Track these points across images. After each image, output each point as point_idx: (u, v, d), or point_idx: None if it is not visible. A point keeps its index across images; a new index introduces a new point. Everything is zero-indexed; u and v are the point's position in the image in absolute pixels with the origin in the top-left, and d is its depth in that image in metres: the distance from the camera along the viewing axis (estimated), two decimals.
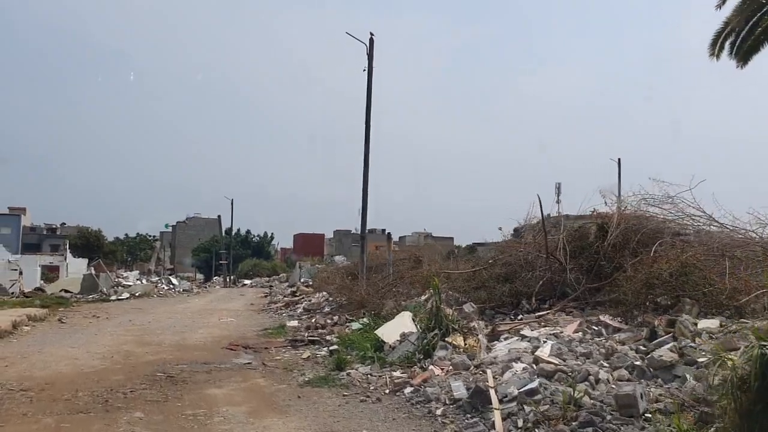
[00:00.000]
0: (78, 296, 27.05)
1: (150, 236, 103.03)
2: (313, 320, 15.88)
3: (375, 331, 9.20)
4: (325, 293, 21.27)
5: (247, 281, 51.76)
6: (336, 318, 14.36)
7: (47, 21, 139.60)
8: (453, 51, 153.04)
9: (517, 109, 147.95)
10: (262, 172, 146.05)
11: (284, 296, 26.53)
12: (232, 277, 56.83)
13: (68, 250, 36.08)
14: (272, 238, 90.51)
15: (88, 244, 65.49)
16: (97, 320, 16.94)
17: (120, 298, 26.59)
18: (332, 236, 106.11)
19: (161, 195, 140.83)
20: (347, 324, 13.98)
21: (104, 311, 20.08)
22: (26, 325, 14.11)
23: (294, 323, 15.84)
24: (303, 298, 22.26)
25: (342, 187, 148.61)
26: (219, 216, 60.79)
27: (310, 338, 12.28)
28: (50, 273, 40.09)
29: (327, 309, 18.23)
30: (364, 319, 13.11)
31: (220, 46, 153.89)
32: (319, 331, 13.57)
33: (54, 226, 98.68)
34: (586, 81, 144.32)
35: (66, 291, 28.19)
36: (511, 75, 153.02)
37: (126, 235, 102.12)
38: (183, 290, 32.48)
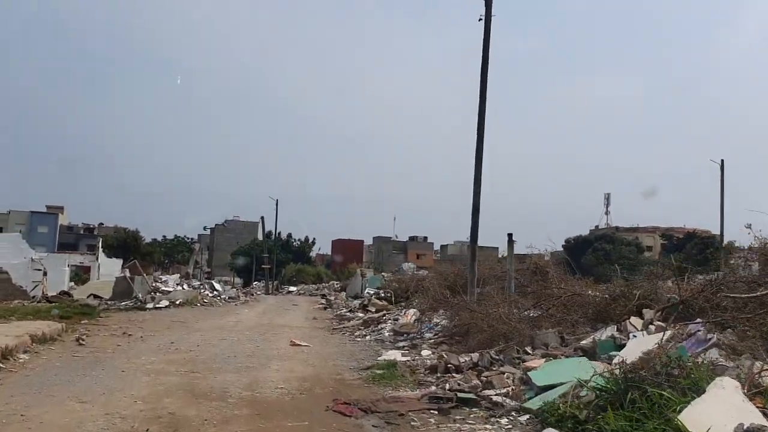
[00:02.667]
0: (108, 303, 22.95)
1: (188, 238, 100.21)
2: (426, 353, 11.25)
3: (678, 416, 4.47)
4: (414, 310, 16.62)
5: (292, 288, 47.46)
6: (474, 357, 9.63)
7: (101, 25, 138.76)
8: (496, 60, 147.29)
9: (553, 116, 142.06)
10: (297, 177, 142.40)
11: (351, 310, 22.02)
12: (275, 283, 52.57)
13: (101, 249, 31.98)
14: (314, 242, 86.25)
15: (124, 244, 62.20)
16: (127, 341, 12.60)
17: (158, 306, 22.38)
18: (371, 243, 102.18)
19: (200, 198, 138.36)
20: (494, 366, 9.31)
21: (138, 325, 15.80)
22: (26, 351, 9.77)
23: (397, 356, 11.24)
24: (385, 315, 17.62)
25: (379, 191, 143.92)
26: (262, 217, 56.81)
27: (458, 395, 7.64)
28: (84, 274, 36.29)
29: (429, 335, 13.55)
30: (537, 364, 8.41)
31: (264, 53, 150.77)
32: (457, 377, 8.92)
33: (91, 226, 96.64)
34: (634, 90, 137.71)
35: (95, 296, 24.15)
36: (551, 82, 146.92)
37: (163, 236, 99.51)
38: (229, 298, 28.19)
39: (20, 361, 9.12)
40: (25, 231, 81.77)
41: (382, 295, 22.38)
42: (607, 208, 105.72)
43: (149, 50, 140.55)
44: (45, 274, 25.68)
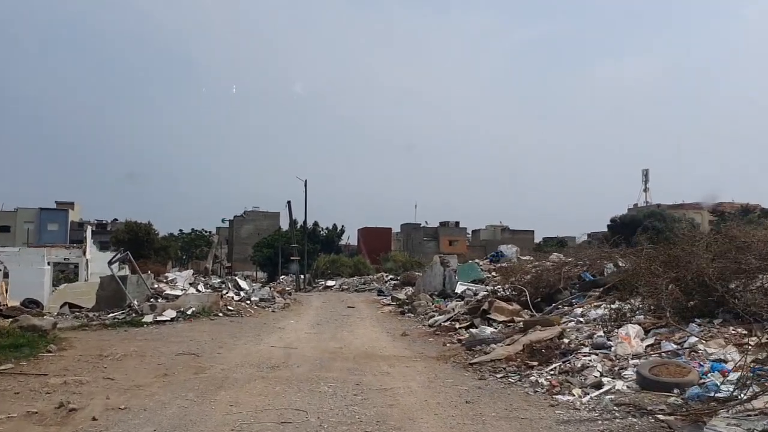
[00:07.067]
0: (91, 314, 15.49)
1: (206, 232, 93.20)
2: None
3: None
4: (637, 328, 8.71)
5: (330, 282, 39.73)
6: None
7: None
8: (507, 50, 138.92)
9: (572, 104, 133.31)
10: (319, 165, 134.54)
11: (455, 318, 14.22)
12: (306, 277, 44.82)
13: (90, 240, 24.12)
14: (343, 230, 78.71)
15: (136, 239, 54.89)
16: None
17: (160, 319, 14.77)
18: (399, 230, 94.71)
19: (217, 190, 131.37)
20: None
21: (107, 373, 8.17)
22: None
23: None
24: (563, 335, 9.68)
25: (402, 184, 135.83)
26: (288, 202, 48.73)
27: None
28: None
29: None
30: None
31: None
32: None
33: (104, 222, 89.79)
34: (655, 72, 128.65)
35: (72, 305, 16.64)
36: (569, 72, 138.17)
37: (180, 231, 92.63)
38: (261, 300, 20.43)
39: None
40: (34, 229, 75.41)
41: (502, 293, 14.55)
42: (645, 184, 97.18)
43: (169, 48, 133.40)
44: (6, 275, 18.24)
